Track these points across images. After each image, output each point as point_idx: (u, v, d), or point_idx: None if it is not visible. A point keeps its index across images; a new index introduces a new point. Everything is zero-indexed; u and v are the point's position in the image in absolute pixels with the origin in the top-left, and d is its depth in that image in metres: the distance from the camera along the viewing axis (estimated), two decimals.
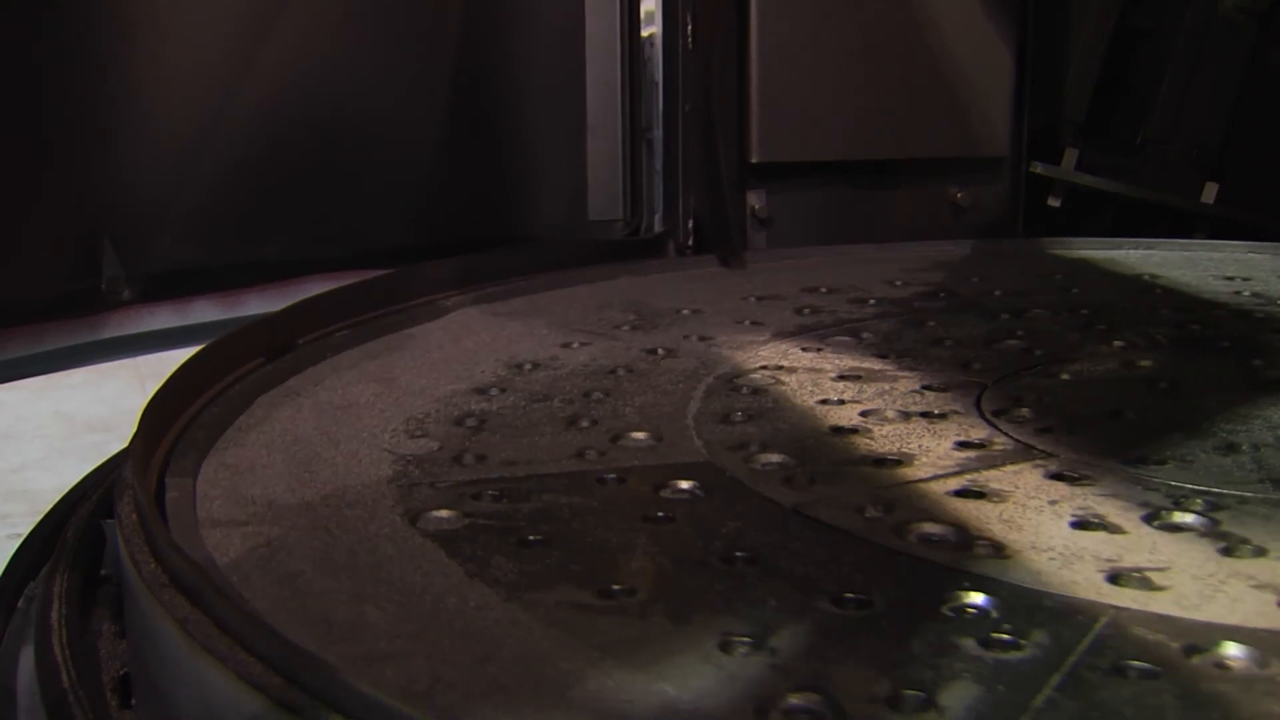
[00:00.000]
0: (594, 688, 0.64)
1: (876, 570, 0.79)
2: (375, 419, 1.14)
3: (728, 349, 1.40)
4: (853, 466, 1.00)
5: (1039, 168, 2.43)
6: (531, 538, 0.85)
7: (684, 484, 0.96)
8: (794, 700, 0.62)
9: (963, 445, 1.04)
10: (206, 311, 1.71)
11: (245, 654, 0.67)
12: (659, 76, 2.13)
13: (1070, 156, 2.43)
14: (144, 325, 1.65)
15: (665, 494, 0.95)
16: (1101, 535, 0.83)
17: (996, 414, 1.13)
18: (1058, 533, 0.83)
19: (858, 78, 2.20)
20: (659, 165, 2.16)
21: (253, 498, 0.95)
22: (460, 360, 1.37)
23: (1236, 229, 2.28)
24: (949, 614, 0.72)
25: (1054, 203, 2.46)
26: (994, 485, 0.93)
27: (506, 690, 0.64)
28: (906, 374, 1.27)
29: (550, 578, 0.79)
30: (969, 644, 0.67)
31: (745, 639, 0.69)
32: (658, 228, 2.16)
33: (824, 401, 1.18)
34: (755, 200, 2.18)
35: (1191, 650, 0.66)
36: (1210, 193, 2.37)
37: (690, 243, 2.14)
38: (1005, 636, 0.68)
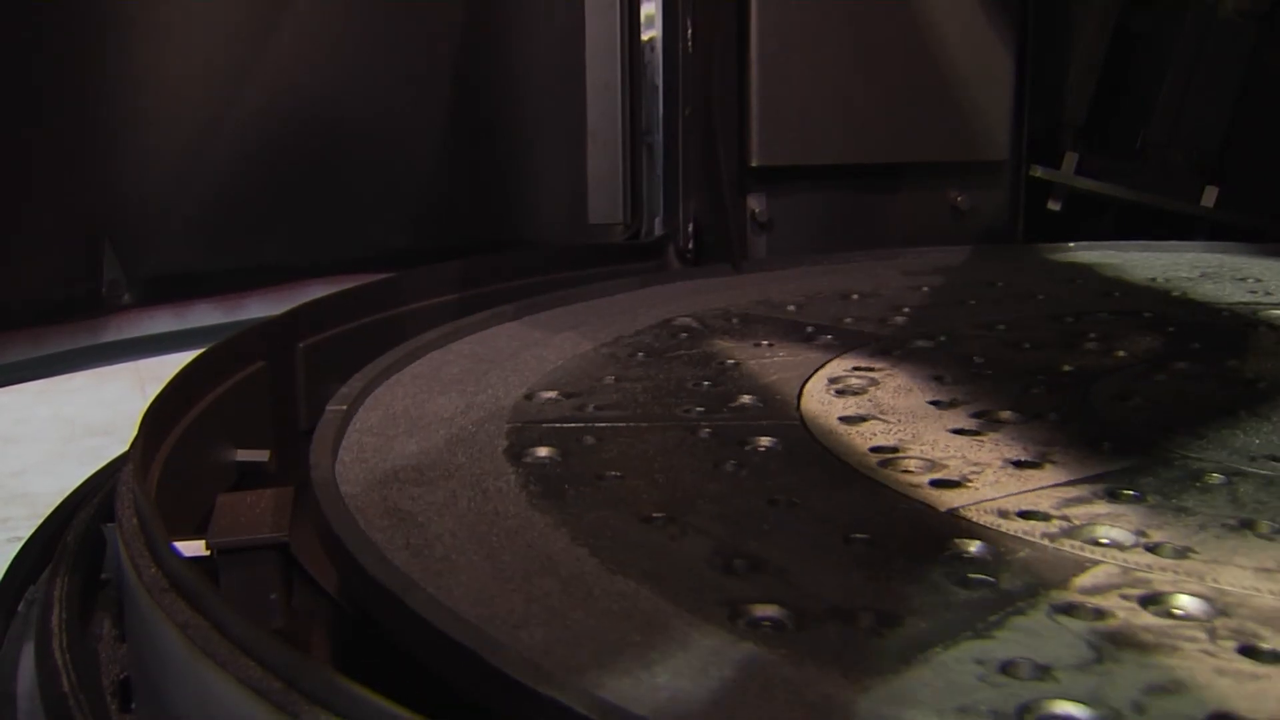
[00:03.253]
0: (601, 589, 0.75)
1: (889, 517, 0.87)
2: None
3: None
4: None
5: (1039, 171, 2.44)
6: (611, 473, 0.97)
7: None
8: (760, 610, 0.71)
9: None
10: (207, 315, 1.71)
11: (245, 658, 0.67)
12: (659, 80, 2.13)
13: (1070, 160, 2.43)
14: (144, 329, 1.65)
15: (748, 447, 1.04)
16: None
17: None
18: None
19: (858, 82, 2.20)
20: (659, 169, 2.16)
21: (396, 415, 1.14)
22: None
23: (1236, 232, 2.28)
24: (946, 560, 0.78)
25: (1054, 206, 2.46)
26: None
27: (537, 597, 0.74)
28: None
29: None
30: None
31: (742, 559, 0.79)
32: (658, 231, 2.16)
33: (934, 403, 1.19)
34: (755, 204, 2.18)
35: None
36: (1210, 196, 2.37)
37: (690, 246, 2.14)
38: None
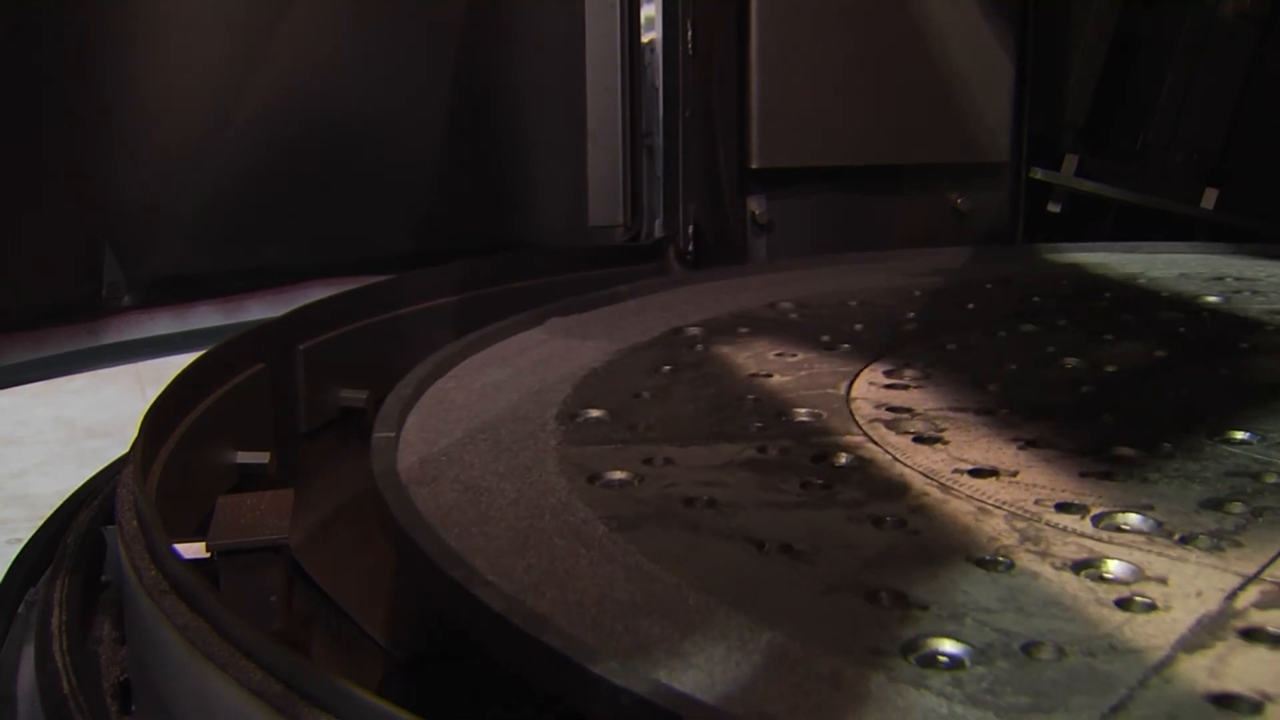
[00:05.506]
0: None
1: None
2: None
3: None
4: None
5: (1039, 173, 2.44)
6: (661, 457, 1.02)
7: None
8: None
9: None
10: (207, 317, 1.71)
11: (245, 660, 0.67)
12: (659, 82, 2.14)
13: (1070, 162, 2.43)
14: (145, 331, 1.65)
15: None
16: None
17: None
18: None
19: (858, 83, 2.20)
20: (659, 171, 2.16)
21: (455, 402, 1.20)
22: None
23: (1235, 234, 2.28)
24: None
25: (1054, 208, 2.46)
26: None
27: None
28: None
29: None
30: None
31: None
32: (658, 233, 2.16)
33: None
34: (755, 205, 2.18)
35: None
36: (1210, 198, 2.37)
37: (690, 248, 2.14)
38: None
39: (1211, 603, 0.74)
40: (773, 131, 2.14)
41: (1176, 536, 0.85)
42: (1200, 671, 0.65)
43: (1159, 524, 0.87)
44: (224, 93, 1.70)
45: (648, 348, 1.44)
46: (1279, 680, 0.64)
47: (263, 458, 1.26)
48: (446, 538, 0.85)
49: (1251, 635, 0.69)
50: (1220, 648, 0.68)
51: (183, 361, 1.23)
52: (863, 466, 1.02)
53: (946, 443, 1.07)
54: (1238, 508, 0.89)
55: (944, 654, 0.68)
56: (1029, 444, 1.05)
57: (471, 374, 1.34)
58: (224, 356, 1.28)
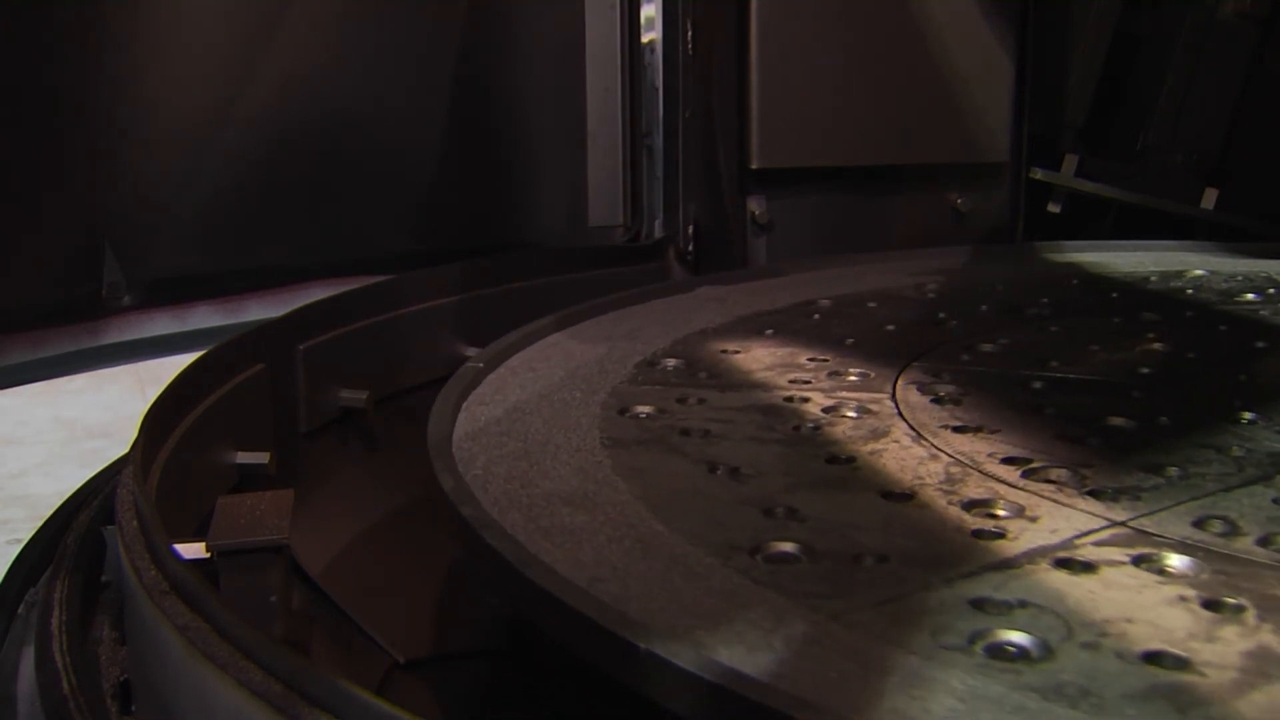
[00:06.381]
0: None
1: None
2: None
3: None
4: None
5: (1039, 173, 2.44)
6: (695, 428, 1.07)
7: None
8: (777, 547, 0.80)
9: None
10: (207, 317, 1.71)
11: (245, 660, 0.67)
12: (659, 83, 2.14)
13: (1070, 162, 2.43)
14: (144, 331, 1.65)
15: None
16: None
17: None
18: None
19: (858, 83, 2.20)
20: (659, 171, 2.16)
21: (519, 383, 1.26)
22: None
23: (1235, 235, 2.28)
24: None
25: (1054, 208, 2.46)
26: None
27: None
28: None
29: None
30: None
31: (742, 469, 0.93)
32: (658, 234, 2.16)
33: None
34: (755, 206, 2.18)
35: None
36: (1210, 198, 2.37)
37: (690, 249, 2.14)
38: None
39: (1056, 538, 0.80)
40: (773, 131, 2.14)
41: (1087, 489, 0.89)
42: (986, 585, 0.73)
43: (1081, 478, 0.91)
44: (224, 92, 1.70)
45: (769, 314, 1.59)
46: (1046, 595, 0.71)
47: (263, 458, 1.26)
48: (471, 445, 1.03)
49: (1063, 563, 0.76)
50: (1025, 569, 0.75)
51: (183, 361, 1.23)
52: (860, 419, 1.09)
53: (959, 402, 1.14)
54: (1173, 472, 0.92)
55: (789, 555, 0.78)
56: (1038, 405, 1.11)
57: (611, 324, 1.53)
58: (224, 356, 1.28)
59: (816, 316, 1.59)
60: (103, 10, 1.56)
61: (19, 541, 1.13)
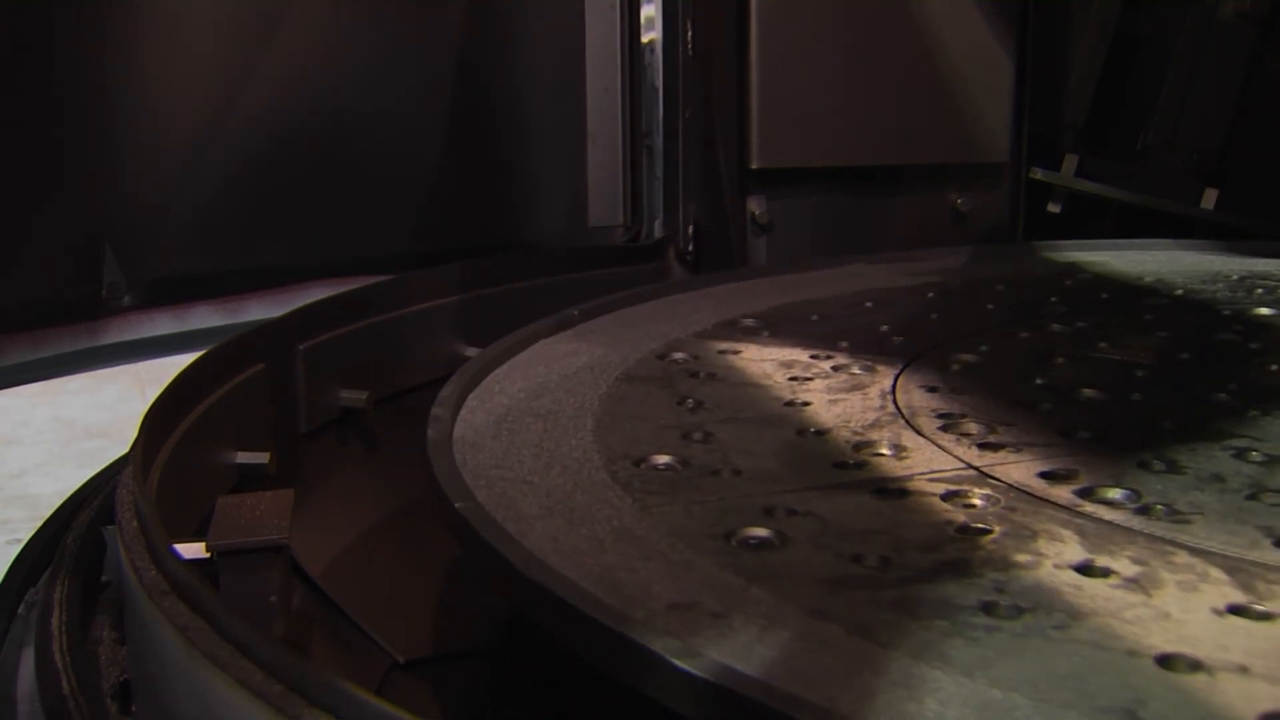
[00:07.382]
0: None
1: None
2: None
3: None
4: None
5: (1039, 173, 2.44)
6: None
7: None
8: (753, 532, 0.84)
9: None
10: (207, 317, 1.71)
11: (245, 660, 0.67)
12: (659, 83, 2.13)
13: (1070, 162, 2.43)
14: (144, 331, 1.65)
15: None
16: None
17: None
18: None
19: (858, 83, 2.20)
20: (659, 171, 2.16)
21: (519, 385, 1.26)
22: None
23: (1235, 235, 2.28)
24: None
25: (1054, 208, 2.46)
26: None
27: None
28: None
29: None
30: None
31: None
32: (658, 234, 2.16)
33: None
34: (755, 206, 2.18)
35: None
36: (1210, 199, 2.37)
37: (690, 249, 2.14)
38: None
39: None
40: (773, 131, 2.14)
41: (1087, 488, 0.91)
42: (987, 585, 0.74)
43: (1082, 479, 0.94)
44: (224, 92, 1.70)
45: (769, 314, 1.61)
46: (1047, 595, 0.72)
47: (263, 458, 1.26)
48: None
49: (1074, 566, 0.77)
50: (1025, 569, 0.76)
51: (183, 361, 1.23)
52: (860, 417, 1.12)
53: (959, 402, 1.16)
54: (1159, 466, 0.95)
55: (788, 553, 0.81)
56: (1038, 402, 1.14)
57: (611, 325, 1.56)
58: (224, 356, 1.28)
59: (815, 317, 1.59)
60: (102, 11, 1.56)
61: (19, 541, 1.13)
